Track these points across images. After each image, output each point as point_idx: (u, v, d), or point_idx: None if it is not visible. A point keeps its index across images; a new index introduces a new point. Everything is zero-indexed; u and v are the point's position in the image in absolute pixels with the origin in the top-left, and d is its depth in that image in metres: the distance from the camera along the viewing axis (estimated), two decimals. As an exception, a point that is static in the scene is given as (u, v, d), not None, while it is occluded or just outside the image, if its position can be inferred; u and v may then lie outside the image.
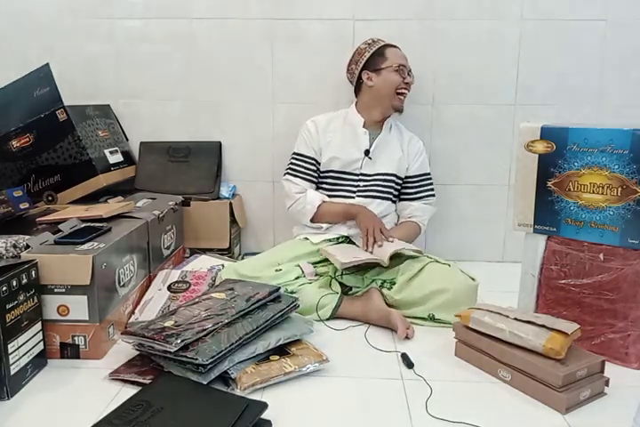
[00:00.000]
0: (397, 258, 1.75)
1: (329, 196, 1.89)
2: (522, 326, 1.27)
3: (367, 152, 1.87)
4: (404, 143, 1.93)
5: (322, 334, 1.52)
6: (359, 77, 1.89)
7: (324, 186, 1.91)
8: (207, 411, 1.09)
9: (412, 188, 1.94)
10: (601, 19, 2.03)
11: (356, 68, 1.89)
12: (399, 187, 1.93)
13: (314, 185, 1.92)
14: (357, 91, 1.93)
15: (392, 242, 1.70)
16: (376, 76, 1.86)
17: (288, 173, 1.92)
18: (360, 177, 1.88)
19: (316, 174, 1.91)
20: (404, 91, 1.86)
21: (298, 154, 1.92)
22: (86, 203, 1.89)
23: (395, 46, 1.90)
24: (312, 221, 1.87)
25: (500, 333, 1.29)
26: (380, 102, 1.87)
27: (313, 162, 1.90)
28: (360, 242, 1.77)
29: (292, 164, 1.93)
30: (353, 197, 1.87)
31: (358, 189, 1.87)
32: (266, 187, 2.18)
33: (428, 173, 1.97)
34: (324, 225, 1.86)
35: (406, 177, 1.93)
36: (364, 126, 1.89)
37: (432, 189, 1.96)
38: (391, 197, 1.90)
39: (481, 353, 1.33)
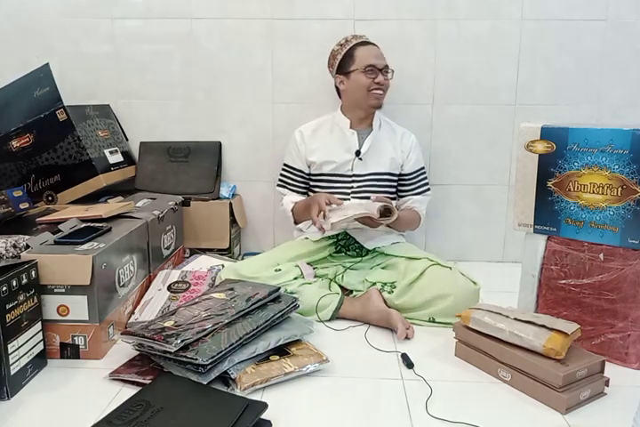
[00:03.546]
0: (397, 258, 1.75)
1: None
2: (522, 326, 1.27)
3: (358, 153, 1.86)
4: (396, 140, 1.91)
5: (322, 334, 1.52)
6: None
7: (317, 189, 1.92)
8: (207, 411, 1.09)
9: (409, 184, 1.93)
10: (601, 19, 2.03)
11: (332, 71, 1.89)
12: (395, 184, 1.93)
13: (302, 195, 1.95)
14: (339, 93, 1.94)
15: (341, 206, 1.70)
16: (347, 79, 1.85)
17: (278, 185, 1.98)
18: (353, 178, 1.87)
19: (303, 185, 1.95)
20: (376, 92, 1.82)
21: (286, 165, 1.96)
22: (86, 203, 1.89)
23: (367, 44, 1.85)
24: (296, 223, 1.92)
25: (500, 333, 1.29)
26: (357, 104, 1.86)
27: (300, 173, 1.93)
28: (356, 235, 1.80)
29: (281, 175, 1.98)
30: (348, 199, 1.86)
31: (352, 190, 1.87)
32: (266, 187, 2.18)
33: (423, 168, 1.96)
34: (302, 226, 1.90)
35: (403, 174, 1.92)
36: (351, 127, 1.88)
37: (428, 184, 1.97)
38: (389, 196, 1.89)
39: (481, 353, 1.33)
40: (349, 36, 1.88)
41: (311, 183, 1.94)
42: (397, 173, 1.91)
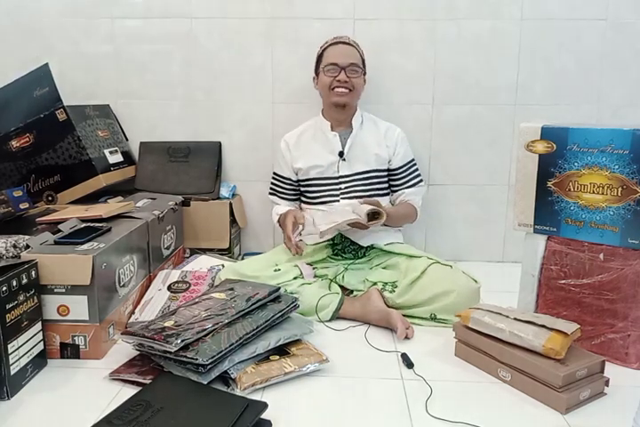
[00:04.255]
0: (397, 257, 1.75)
1: (314, 203, 1.91)
2: (522, 325, 1.27)
3: (341, 154, 1.86)
4: (380, 136, 1.90)
5: (322, 334, 1.52)
6: None
7: (307, 194, 1.93)
8: (207, 411, 1.09)
9: (400, 178, 1.92)
10: (601, 19, 2.03)
11: None
12: (385, 179, 1.92)
13: (293, 202, 1.99)
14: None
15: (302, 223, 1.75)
16: (317, 79, 1.90)
17: (270, 193, 2.01)
18: (340, 179, 1.87)
19: (293, 192, 1.98)
20: (337, 90, 1.82)
21: (275, 174, 2.00)
22: (86, 203, 1.89)
23: (337, 43, 1.86)
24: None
25: (500, 333, 1.29)
26: (326, 104, 1.90)
27: (289, 181, 1.95)
28: (351, 235, 1.79)
29: (272, 183, 2.01)
30: (337, 201, 1.87)
31: (341, 191, 1.87)
32: (266, 187, 2.17)
33: (412, 160, 1.94)
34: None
35: (392, 169, 1.91)
36: (332, 129, 1.89)
37: (419, 175, 1.96)
38: (379, 192, 1.89)
39: (481, 353, 1.33)
40: (330, 38, 1.89)
41: (301, 189, 1.95)
42: (385, 168, 1.90)
